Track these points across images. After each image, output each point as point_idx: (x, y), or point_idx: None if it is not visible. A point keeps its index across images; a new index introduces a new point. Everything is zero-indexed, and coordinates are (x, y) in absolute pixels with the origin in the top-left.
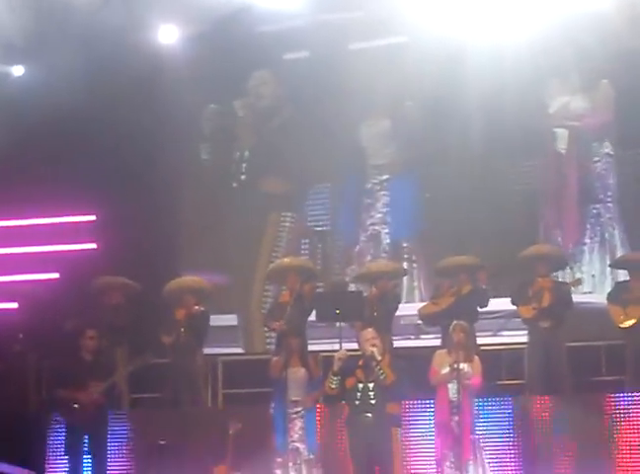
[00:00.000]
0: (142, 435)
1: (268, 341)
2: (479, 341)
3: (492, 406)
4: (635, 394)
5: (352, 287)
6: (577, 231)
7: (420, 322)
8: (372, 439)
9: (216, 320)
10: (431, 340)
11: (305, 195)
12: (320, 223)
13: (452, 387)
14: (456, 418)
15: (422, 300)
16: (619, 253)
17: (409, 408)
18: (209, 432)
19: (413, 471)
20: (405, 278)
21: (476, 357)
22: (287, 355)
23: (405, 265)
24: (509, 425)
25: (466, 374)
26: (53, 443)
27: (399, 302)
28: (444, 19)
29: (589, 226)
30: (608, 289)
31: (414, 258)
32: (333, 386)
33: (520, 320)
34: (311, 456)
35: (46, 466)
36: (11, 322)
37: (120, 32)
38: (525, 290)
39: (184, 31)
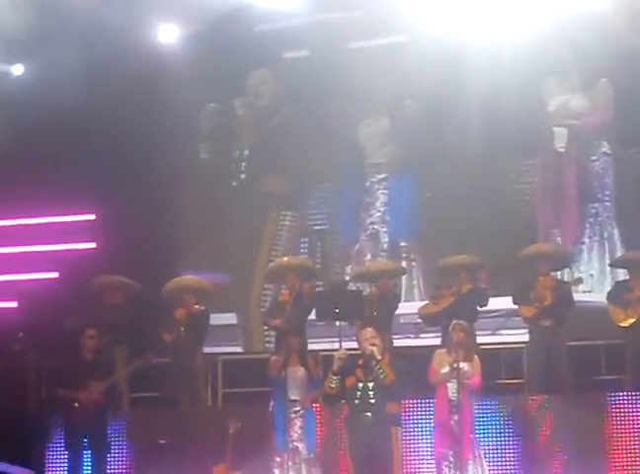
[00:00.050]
0: (142, 435)
1: (267, 340)
2: (478, 340)
3: (491, 405)
4: (635, 393)
5: (351, 286)
6: (576, 230)
7: (419, 321)
8: (372, 439)
9: (216, 319)
10: (430, 339)
11: (305, 193)
12: (319, 222)
13: (452, 387)
14: (456, 417)
15: (421, 299)
16: (618, 252)
17: (409, 407)
18: (209, 431)
19: (412, 470)
20: (404, 277)
21: (476, 357)
22: (287, 354)
23: (404, 264)
24: (507, 424)
25: (466, 374)
26: (53, 443)
27: (399, 301)
28: (444, 18)
29: (587, 225)
30: (608, 289)
31: (412, 257)
32: (333, 385)
33: (519, 319)
34: (311, 455)
35: (46, 465)
36: (10, 321)
37: (120, 31)
38: (527, 289)
39: (183, 30)
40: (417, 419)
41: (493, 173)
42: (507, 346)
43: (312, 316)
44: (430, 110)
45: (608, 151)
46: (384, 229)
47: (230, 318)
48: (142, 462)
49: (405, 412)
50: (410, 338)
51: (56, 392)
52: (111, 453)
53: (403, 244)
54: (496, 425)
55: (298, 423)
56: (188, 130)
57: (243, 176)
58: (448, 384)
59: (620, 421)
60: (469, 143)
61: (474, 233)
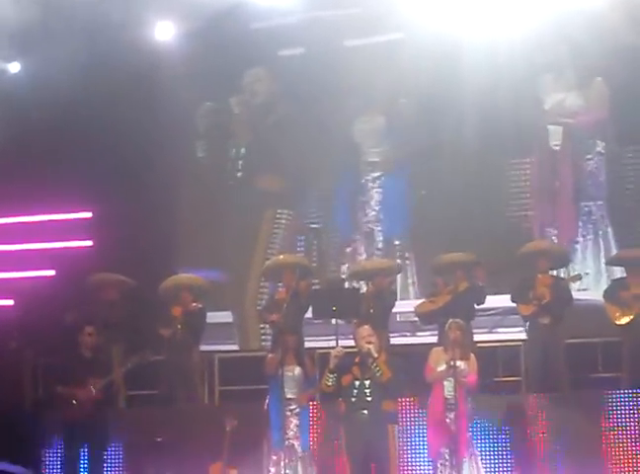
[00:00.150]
0: (139, 432)
1: (263, 338)
2: (475, 337)
3: (488, 403)
4: (631, 391)
5: (348, 284)
6: (571, 229)
7: (416, 319)
8: (369, 436)
9: (212, 317)
10: (427, 337)
11: (301, 192)
12: (316, 220)
13: (448, 385)
14: (451, 415)
15: (417, 297)
16: (613, 251)
17: (405, 405)
18: (206, 428)
19: (409, 468)
20: (399, 276)
21: (472, 355)
22: (283, 352)
23: (399, 262)
24: (504, 422)
25: (462, 372)
26: (50, 440)
27: (395, 299)
28: (440, 16)
29: (581, 224)
30: (604, 287)
31: (407, 255)
32: (329, 383)
33: (516, 317)
34: (307, 453)
35: (43, 463)
36: (7, 319)
37: (116, 29)
38: (526, 287)
39: (179, 27)
40: (413, 417)
41: (489, 170)
42: (504, 343)
43: (309, 314)
44: (425, 107)
45: (602, 150)
46: (379, 228)
47: (226, 316)
48: (139, 460)
49: (402, 410)
50: (407, 336)
51: (54, 389)
52: (108, 451)
53: (397, 242)
54: (492, 423)
55: (295, 421)
56: (184, 129)
57: (239, 174)
58: (445, 382)
59: (617, 418)
60: (465, 141)
61: (470, 231)
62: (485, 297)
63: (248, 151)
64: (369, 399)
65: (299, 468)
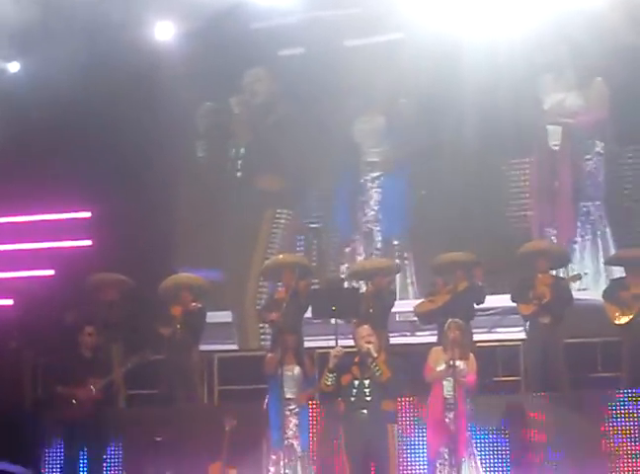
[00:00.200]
0: (139, 432)
1: (262, 337)
2: (475, 337)
3: (487, 403)
4: (631, 391)
5: (347, 284)
6: (570, 229)
7: (415, 319)
8: (368, 436)
9: (211, 317)
10: (426, 337)
11: (301, 191)
12: (315, 220)
13: (447, 385)
14: (450, 415)
15: (416, 297)
16: (612, 250)
17: (404, 405)
18: (205, 428)
19: (408, 468)
20: (399, 276)
21: (471, 355)
22: (283, 351)
23: (398, 261)
24: (503, 422)
25: (462, 372)
26: (50, 440)
27: (395, 299)
28: (440, 16)
29: (579, 224)
30: (603, 287)
31: (405, 255)
32: (328, 383)
33: (515, 316)
34: (306, 453)
35: (43, 463)
36: (7, 319)
37: (116, 29)
38: (526, 287)
39: (179, 27)
40: (412, 416)
41: (488, 170)
42: (503, 343)
43: (308, 314)
44: (425, 107)
45: (601, 151)
46: (378, 228)
47: (226, 316)
48: (139, 459)
49: (401, 409)
50: (406, 335)
51: (55, 389)
52: (108, 450)
53: (396, 242)
54: (491, 423)
55: (294, 420)
56: (184, 128)
57: (239, 174)
58: (444, 382)
59: (616, 418)
60: (465, 141)
61: (470, 231)
62: (484, 297)
63: (248, 151)
64: (369, 399)
65: (299, 468)
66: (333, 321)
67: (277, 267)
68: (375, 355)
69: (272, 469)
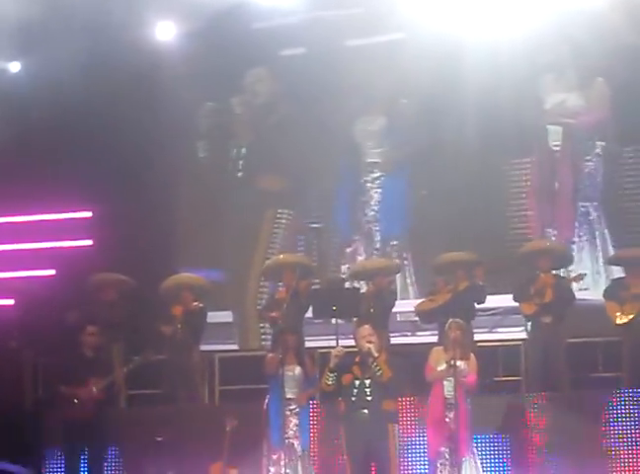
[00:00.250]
0: (139, 432)
1: (263, 337)
2: (475, 337)
3: (488, 403)
4: (632, 390)
5: (348, 284)
6: (570, 229)
7: (416, 319)
8: (369, 436)
9: (212, 317)
10: (427, 336)
11: (302, 192)
12: (316, 220)
13: (448, 384)
14: (451, 415)
15: (416, 297)
16: (610, 251)
17: (405, 404)
18: (206, 428)
19: (409, 468)
20: (399, 276)
21: (472, 355)
22: (283, 351)
23: (398, 261)
24: (504, 421)
25: (462, 372)
26: (51, 440)
27: (395, 299)
28: (441, 16)
29: (577, 224)
30: (603, 287)
31: (404, 255)
32: (329, 383)
33: (516, 316)
34: (307, 453)
35: (44, 463)
36: (7, 319)
37: (118, 29)
38: (528, 286)
39: (180, 27)
40: (413, 416)
41: (489, 170)
42: (504, 343)
43: (309, 314)
44: (426, 107)
45: (601, 152)
46: (377, 228)
47: (227, 316)
48: (139, 459)
49: (402, 409)
50: (407, 335)
51: (56, 389)
52: (108, 450)
53: (394, 243)
54: (492, 422)
55: (294, 420)
56: (185, 129)
57: (240, 174)
58: (445, 382)
59: (617, 418)
60: (466, 141)
61: (470, 230)
62: (485, 296)
63: (249, 151)
64: (370, 398)
65: (299, 467)
66: (334, 321)
67: (277, 267)
68: (376, 354)
69: (272, 469)
